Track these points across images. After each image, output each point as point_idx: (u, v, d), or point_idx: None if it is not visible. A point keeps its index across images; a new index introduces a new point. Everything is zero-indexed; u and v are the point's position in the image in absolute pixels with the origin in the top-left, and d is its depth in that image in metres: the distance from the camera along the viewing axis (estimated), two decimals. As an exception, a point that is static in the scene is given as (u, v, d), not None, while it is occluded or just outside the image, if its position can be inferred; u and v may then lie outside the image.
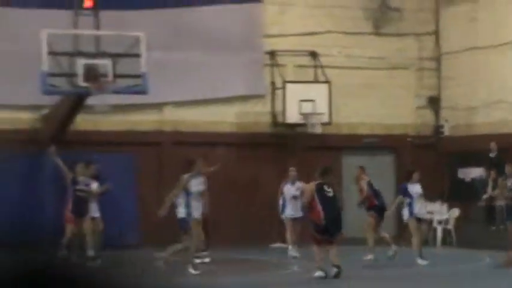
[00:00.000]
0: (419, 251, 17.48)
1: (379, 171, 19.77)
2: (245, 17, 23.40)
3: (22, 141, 20.92)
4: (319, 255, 14.91)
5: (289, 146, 23.34)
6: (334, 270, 14.78)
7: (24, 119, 21.49)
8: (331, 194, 15.14)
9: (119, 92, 19.33)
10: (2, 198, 20.58)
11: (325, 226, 14.88)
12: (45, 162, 20.81)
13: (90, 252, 17.32)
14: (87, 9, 19.40)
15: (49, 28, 18.66)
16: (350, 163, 23.87)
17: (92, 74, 18.72)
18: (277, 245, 21.88)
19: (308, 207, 15.45)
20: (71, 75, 18.83)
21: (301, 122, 22.97)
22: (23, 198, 20.99)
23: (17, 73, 20.66)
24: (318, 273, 14.80)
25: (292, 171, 19.64)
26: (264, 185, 22.35)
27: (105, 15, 19.75)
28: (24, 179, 21.17)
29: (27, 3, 21.14)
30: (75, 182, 17.40)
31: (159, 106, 22.82)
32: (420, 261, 17.25)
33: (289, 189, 19.44)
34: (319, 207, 14.91)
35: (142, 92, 19.54)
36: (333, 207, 15.06)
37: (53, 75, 18.67)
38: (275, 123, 23.61)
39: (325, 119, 23.06)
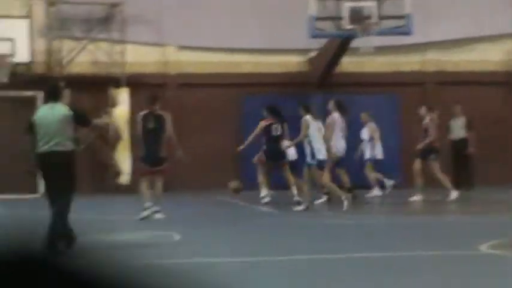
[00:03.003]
0: None
1: None
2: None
3: (292, 84, 21.88)
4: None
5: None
6: None
7: (293, 62, 22.39)
8: None
9: (383, 33, 19.46)
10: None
11: None
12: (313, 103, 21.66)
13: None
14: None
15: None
16: None
17: (357, 16, 19.01)
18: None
19: None
20: (337, 19, 19.25)
21: None
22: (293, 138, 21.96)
23: (286, 18, 21.54)
24: None
25: None
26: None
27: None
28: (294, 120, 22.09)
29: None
30: None
31: (422, 46, 22.78)
32: None
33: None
34: None
35: (406, 33, 19.58)
36: None
37: (319, 19, 19.19)
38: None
39: None
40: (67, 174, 9.86)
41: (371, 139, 19.22)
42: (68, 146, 9.94)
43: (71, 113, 10.00)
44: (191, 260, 9.50)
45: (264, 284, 7.76)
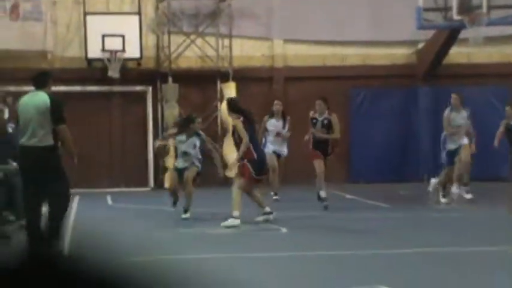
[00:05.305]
0: None
1: None
2: None
3: (399, 76, 21.69)
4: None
5: None
6: None
7: (401, 54, 22.17)
8: None
9: (493, 23, 19.07)
10: (380, 133, 21.63)
11: None
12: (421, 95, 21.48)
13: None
14: None
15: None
16: None
17: (465, 6, 18.70)
18: None
19: None
20: (445, 9, 19.00)
21: None
22: (399, 132, 21.83)
23: (393, 10, 21.35)
24: None
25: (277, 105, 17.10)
26: None
27: None
28: (401, 112, 21.97)
29: None
30: None
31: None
32: None
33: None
34: None
35: (517, 22, 19.17)
36: None
37: (427, 10, 18.97)
38: None
39: None
40: (47, 172, 8.67)
41: None
42: (46, 140, 8.75)
43: (49, 103, 8.77)
44: (294, 253, 9.57)
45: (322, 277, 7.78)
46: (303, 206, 15.56)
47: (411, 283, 7.33)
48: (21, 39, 20.12)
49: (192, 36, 21.56)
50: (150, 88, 21.23)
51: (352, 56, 22.16)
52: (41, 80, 9.06)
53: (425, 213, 14.21)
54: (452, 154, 15.88)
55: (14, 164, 10.48)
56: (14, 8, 20.14)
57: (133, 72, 21.09)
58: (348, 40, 22.04)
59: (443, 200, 15.76)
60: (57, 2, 21.10)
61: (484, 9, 18.60)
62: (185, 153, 13.78)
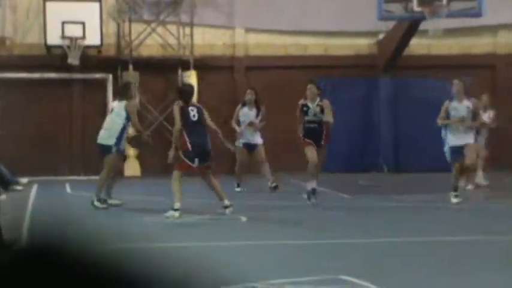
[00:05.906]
0: None
1: None
2: None
3: (360, 66, 21.79)
4: None
5: None
6: None
7: (362, 45, 22.26)
8: None
9: (453, 15, 19.23)
10: (341, 123, 21.66)
11: None
12: (382, 85, 21.58)
13: None
14: None
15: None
16: None
17: (426, -2, 18.84)
18: None
19: None
20: (406, 1, 19.10)
21: None
22: (360, 122, 21.93)
23: (355, 1, 21.42)
24: None
25: (249, 94, 16.55)
26: None
27: None
28: (362, 103, 22.06)
29: None
30: None
31: (493, 28, 22.42)
32: None
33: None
34: None
35: (477, 14, 19.30)
36: None
37: (388, 1, 19.06)
38: None
39: None
40: None
41: None
42: None
43: None
44: (253, 242, 9.58)
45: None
46: (264, 195, 15.58)
47: (373, 273, 7.37)
48: (-21, 25, 19.84)
49: (153, 24, 21.44)
50: (111, 76, 21.07)
51: (314, 45, 22.20)
52: None
53: (386, 203, 14.29)
54: (457, 151, 13.60)
55: None
56: (-28, -7, 19.84)
57: (93, 59, 20.91)
58: (310, 30, 22.07)
59: (454, 201, 13.62)
60: (17, -13, 20.85)
61: (444, 1, 18.75)
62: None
